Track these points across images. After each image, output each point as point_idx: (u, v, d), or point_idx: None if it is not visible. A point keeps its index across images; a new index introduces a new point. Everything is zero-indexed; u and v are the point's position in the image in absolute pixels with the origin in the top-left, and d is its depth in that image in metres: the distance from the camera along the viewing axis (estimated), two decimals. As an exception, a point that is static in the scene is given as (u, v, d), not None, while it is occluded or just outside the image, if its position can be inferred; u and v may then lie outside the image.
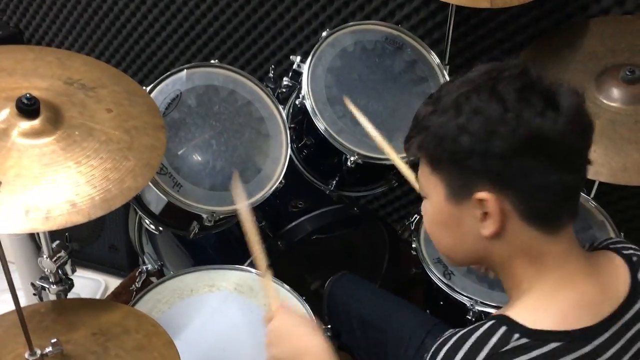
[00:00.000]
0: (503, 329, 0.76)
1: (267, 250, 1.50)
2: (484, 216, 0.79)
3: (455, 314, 1.41)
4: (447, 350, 0.77)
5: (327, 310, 1.39)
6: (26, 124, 1.02)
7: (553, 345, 0.75)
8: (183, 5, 2.10)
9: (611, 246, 0.88)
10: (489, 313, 1.36)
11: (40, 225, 0.94)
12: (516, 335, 0.75)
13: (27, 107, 1.01)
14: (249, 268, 1.38)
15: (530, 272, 0.81)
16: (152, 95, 1.34)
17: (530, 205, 0.78)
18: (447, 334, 0.80)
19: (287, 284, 1.34)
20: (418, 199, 2.18)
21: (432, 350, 0.79)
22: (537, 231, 0.79)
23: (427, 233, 0.93)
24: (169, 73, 1.38)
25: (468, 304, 1.37)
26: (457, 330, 0.80)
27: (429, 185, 0.84)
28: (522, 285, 0.81)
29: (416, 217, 1.78)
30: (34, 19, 2.37)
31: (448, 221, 0.84)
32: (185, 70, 1.39)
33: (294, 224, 1.54)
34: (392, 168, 1.60)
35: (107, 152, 1.05)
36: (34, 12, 2.35)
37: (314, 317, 1.25)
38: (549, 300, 0.79)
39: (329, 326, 1.29)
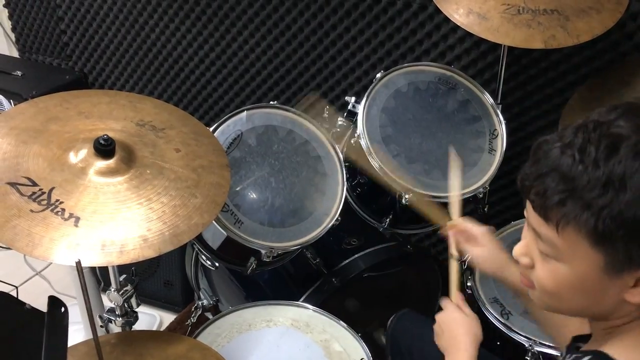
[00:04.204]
0: None
1: (321, 287, 1.54)
2: (637, 283, 0.75)
3: (512, 355, 1.39)
4: None
5: (390, 350, 1.39)
6: (102, 163, 1.08)
7: None
8: (239, 50, 2.19)
9: None
10: (548, 354, 1.34)
11: (115, 258, 0.99)
12: None
13: (104, 148, 1.08)
14: (305, 304, 1.40)
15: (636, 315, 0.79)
16: (214, 135, 1.40)
17: None
18: None
19: (343, 321, 1.35)
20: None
21: None
22: None
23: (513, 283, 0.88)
24: (230, 114, 1.44)
25: (527, 345, 1.35)
26: None
27: (575, 255, 0.76)
28: (618, 326, 0.80)
29: (468, 256, 1.78)
30: (97, 64, 2.51)
31: (589, 288, 0.77)
32: (245, 111, 1.45)
33: (347, 261, 1.56)
34: (446, 206, 1.62)
35: (176, 189, 1.10)
36: (97, 58, 2.49)
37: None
38: None
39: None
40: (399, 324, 1.41)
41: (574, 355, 0.80)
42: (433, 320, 1.13)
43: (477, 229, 1.21)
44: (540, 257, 0.81)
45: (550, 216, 0.75)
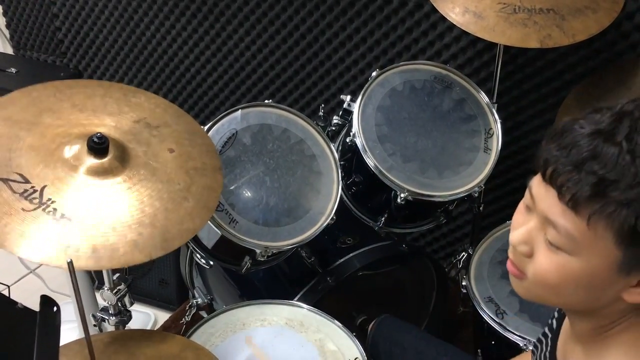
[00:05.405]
0: None
1: (316, 286, 1.53)
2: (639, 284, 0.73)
3: (508, 355, 1.38)
4: None
5: (371, 355, 1.38)
6: (95, 162, 1.06)
7: None
8: (234, 47, 2.18)
9: None
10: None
11: (106, 262, 0.98)
12: None
13: (98, 146, 1.06)
14: (300, 303, 1.40)
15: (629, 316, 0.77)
16: (209, 134, 1.39)
17: None
18: None
19: (337, 320, 1.35)
20: (465, 235, 2.15)
21: None
22: None
23: (523, 280, 0.79)
24: (224, 113, 1.43)
25: (522, 344, 1.35)
26: None
27: (593, 250, 0.71)
28: (609, 328, 0.78)
29: (464, 255, 1.78)
30: (92, 61, 2.50)
31: (594, 285, 0.73)
32: (240, 110, 1.44)
33: (342, 260, 1.55)
34: (441, 205, 1.62)
35: (169, 192, 1.08)
36: (92, 55, 2.48)
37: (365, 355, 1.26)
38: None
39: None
40: (379, 329, 1.40)
41: None
42: (414, 326, 1.09)
43: None
44: (545, 247, 0.74)
45: (582, 208, 0.69)
